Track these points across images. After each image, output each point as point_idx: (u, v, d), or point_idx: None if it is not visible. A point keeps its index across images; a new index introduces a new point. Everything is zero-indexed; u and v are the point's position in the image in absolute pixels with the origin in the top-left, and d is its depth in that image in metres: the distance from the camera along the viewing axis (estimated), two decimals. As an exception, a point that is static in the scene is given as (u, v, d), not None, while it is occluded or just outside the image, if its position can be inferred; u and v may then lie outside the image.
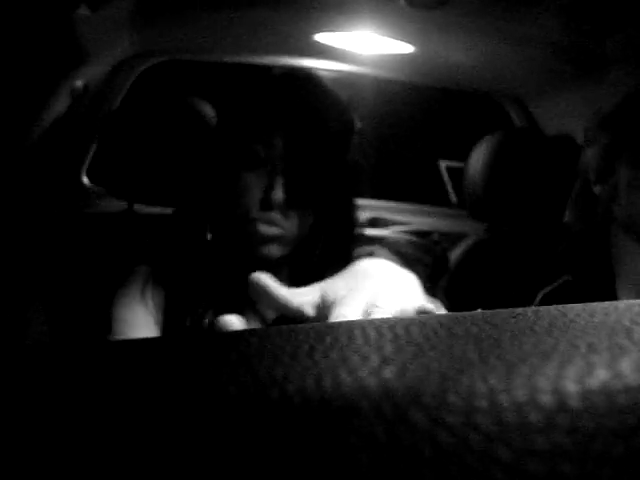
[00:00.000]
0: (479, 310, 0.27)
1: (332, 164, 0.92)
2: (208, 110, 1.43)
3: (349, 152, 0.95)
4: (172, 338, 0.24)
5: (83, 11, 1.14)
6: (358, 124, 0.99)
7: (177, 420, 0.20)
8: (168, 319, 0.91)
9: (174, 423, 0.20)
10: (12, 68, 1.18)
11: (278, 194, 0.85)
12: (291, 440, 0.20)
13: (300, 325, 0.25)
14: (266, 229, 0.87)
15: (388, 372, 0.21)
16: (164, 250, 0.97)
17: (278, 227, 0.87)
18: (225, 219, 0.91)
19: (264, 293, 0.47)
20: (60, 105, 1.44)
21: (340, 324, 0.25)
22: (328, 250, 0.94)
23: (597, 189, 1.01)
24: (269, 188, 0.86)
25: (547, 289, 1.02)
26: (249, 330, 0.25)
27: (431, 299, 0.63)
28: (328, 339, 0.23)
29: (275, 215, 0.87)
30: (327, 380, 0.21)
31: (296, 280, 0.94)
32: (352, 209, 0.99)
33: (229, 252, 0.93)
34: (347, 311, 0.42)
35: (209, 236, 0.92)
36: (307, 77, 0.94)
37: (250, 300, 0.84)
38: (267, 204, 0.85)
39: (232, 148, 0.90)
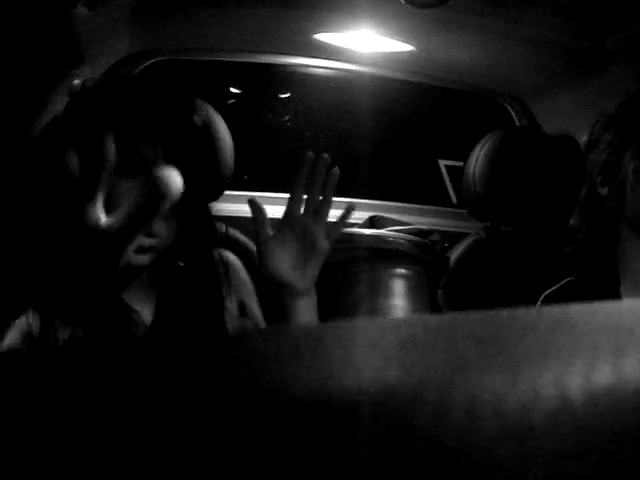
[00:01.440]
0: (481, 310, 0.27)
1: (197, 166, 0.92)
2: (207, 108, 1.42)
3: (207, 151, 0.96)
4: (173, 339, 0.24)
5: (81, 10, 1.14)
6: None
7: (178, 421, 0.20)
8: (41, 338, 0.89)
9: (175, 424, 0.20)
10: (10, 67, 1.18)
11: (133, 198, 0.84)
12: (293, 440, 0.20)
13: (302, 325, 0.25)
14: (144, 240, 0.85)
15: (390, 373, 0.21)
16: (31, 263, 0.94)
17: (155, 237, 0.86)
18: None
19: None
20: (58, 104, 1.44)
21: (342, 324, 0.25)
22: (191, 254, 0.96)
23: (603, 190, 1.01)
24: (148, 198, 0.83)
25: (550, 290, 1.02)
26: (250, 331, 0.25)
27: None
28: (330, 339, 0.23)
29: (158, 226, 0.86)
30: (329, 380, 0.21)
31: (157, 284, 0.95)
32: (209, 212, 1.03)
33: (86, 261, 0.91)
34: None
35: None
36: (143, 81, 0.95)
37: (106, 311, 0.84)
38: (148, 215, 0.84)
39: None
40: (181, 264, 0.96)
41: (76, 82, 1.43)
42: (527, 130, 1.75)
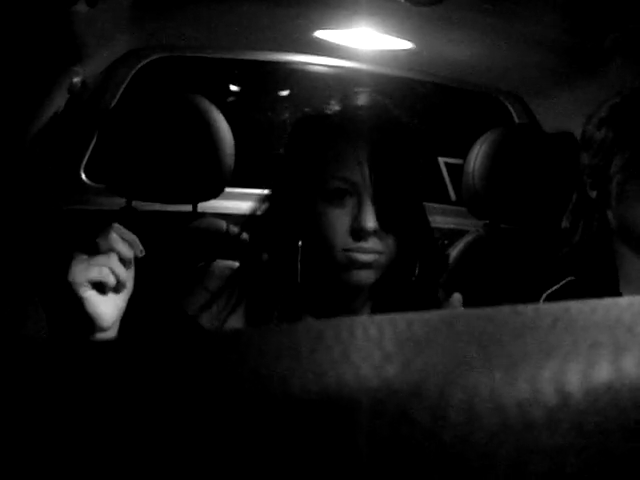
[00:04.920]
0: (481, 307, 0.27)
1: (412, 183, 0.92)
2: (206, 106, 1.42)
3: (419, 170, 0.95)
4: (174, 337, 0.24)
5: (81, 7, 1.14)
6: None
7: (178, 419, 0.20)
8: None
9: (175, 421, 0.20)
10: (10, 64, 1.18)
11: (370, 223, 0.85)
12: (293, 437, 0.20)
13: (301, 323, 0.25)
14: (361, 256, 0.86)
15: (390, 369, 0.21)
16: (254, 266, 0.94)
17: (374, 253, 0.86)
18: (313, 250, 0.90)
19: None
20: (58, 101, 1.44)
21: (341, 321, 0.25)
22: (421, 273, 0.93)
23: (593, 194, 1.01)
24: (359, 218, 0.85)
25: (551, 290, 1.02)
26: (250, 328, 0.25)
27: None
28: (329, 336, 0.23)
29: (371, 244, 0.86)
30: (329, 377, 0.21)
31: (378, 305, 0.95)
32: (430, 227, 0.99)
33: (316, 279, 0.92)
34: None
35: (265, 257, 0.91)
36: (376, 106, 0.93)
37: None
38: (359, 234, 0.85)
39: (313, 185, 0.89)
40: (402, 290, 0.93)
41: (76, 79, 1.43)
42: (526, 128, 1.75)
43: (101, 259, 0.71)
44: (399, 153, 0.89)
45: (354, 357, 0.22)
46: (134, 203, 1.47)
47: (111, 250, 0.72)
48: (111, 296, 0.74)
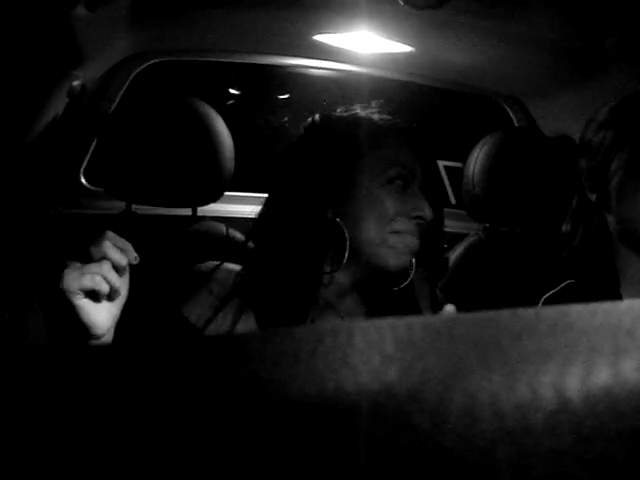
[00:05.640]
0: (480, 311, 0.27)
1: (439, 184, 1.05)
2: (206, 110, 1.42)
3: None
4: (174, 342, 0.24)
5: (81, 11, 1.14)
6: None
7: (179, 422, 0.20)
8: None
9: (175, 425, 0.20)
10: (10, 68, 1.18)
11: (430, 212, 0.94)
12: (292, 442, 0.20)
13: (301, 326, 0.25)
14: (412, 240, 0.94)
15: (389, 373, 0.21)
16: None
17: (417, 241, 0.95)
18: (355, 233, 0.95)
19: None
20: (58, 105, 1.44)
21: (341, 325, 0.25)
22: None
23: (592, 197, 1.02)
24: (421, 206, 0.94)
25: (550, 293, 1.01)
26: (250, 332, 0.25)
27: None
28: (329, 340, 0.23)
29: (422, 227, 0.95)
30: (328, 382, 0.21)
31: (367, 304, 0.98)
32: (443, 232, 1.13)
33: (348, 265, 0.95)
34: None
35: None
36: None
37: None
38: (419, 222, 0.94)
39: (373, 172, 0.96)
40: (395, 289, 0.98)
41: (75, 83, 1.43)
42: (526, 131, 1.75)
43: (94, 267, 0.71)
44: (430, 154, 1.03)
45: (353, 361, 0.22)
46: (134, 207, 1.47)
47: (104, 258, 0.72)
48: (105, 304, 0.74)
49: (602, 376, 0.21)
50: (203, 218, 1.49)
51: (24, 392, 0.21)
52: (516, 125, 1.87)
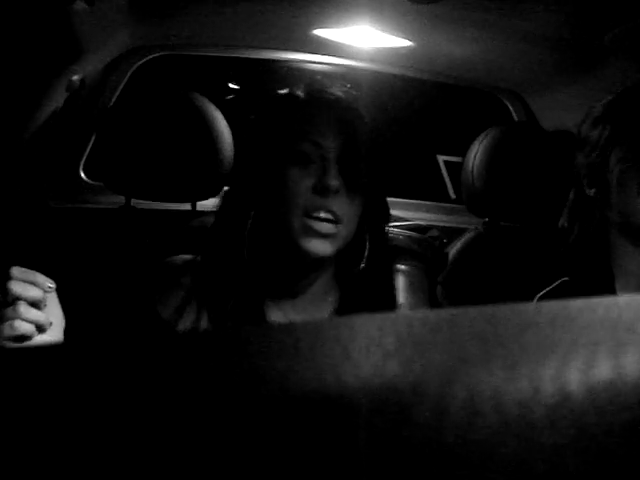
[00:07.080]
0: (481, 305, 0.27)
1: (372, 158, 0.94)
2: (205, 104, 1.42)
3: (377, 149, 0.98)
4: (175, 336, 0.24)
5: (80, 6, 1.13)
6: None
7: (178, 417, 0.20)
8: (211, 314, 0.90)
9: (174, 420, 0.20)
10: (9, 63, 1.18)
11: (334, 181, 0.85)
12: (292, 436, 0.20)
13: (302, 322, 0.25)
14: (322, 225, 0.85)
15: (390, 368, 0.21)
16: (209, 245, 0.94)
17: (332, 224, 0.86)
18: (271, 213, 0.90)
19: None
20: (57, 100, 1.44)
21: (341, 320, 0.25)
22: (373, 253, 0.94)
23: (591, 192, 1.01)
24: (324, 177, 0.86)
25: (544, 291, 1.02)
26: (252, 327, 0.25)
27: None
28: (330, 335, 0.23)
29: (332, 204, 0.86)
30: (328, 376, 0.21)
31: (340, 282, 0.95)
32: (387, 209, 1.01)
33: (272, 248, 0.92)
34: None
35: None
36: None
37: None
38: (323, 192, 0.85)
39: (280, 147, 0.90)
40: (362, 266, 0.93)
41: (75, 78, 1.42)
42: (525, 126, 1.75)
43: (9, 312, 0.67)
44: (361, 133, 0.92)
45: (354, 356, 0.22)
46: (133, 201, 1.47)
47: (17, 299, 0.68)
48: (42, 336, 0.70)
49: (603, 370, 0.21)
50: (203, 213, 1.49)
51: (14, 390, 0.21)
52: (516, 119, 1.87)
